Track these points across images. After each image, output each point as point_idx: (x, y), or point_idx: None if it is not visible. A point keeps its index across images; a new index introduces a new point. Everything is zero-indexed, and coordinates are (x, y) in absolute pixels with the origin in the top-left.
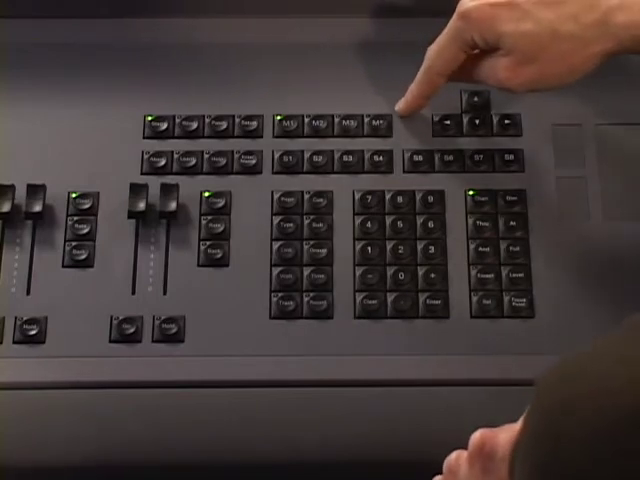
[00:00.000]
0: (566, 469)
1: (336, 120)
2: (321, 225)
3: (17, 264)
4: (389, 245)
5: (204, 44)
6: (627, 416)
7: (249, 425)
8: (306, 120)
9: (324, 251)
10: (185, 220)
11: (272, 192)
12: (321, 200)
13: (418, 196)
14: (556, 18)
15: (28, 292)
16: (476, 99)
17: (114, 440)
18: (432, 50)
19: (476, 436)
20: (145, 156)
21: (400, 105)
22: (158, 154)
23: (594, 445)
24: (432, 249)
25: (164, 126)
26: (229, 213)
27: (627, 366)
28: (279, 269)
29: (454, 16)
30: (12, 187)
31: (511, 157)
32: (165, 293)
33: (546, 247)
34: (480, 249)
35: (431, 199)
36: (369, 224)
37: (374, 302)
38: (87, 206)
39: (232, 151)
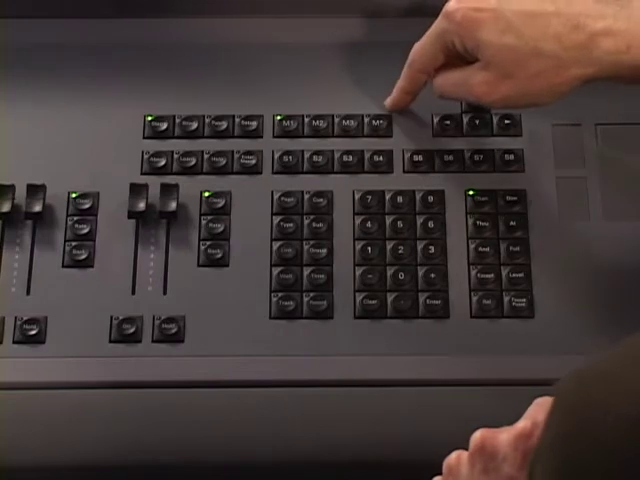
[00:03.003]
0: (598, 467)
1: (336, 120)
2: (321, 225)
3: (17, 264)
4: (389, 245)
5: (204, 44)
6: None
7: (249, 425)
8: (306, 120)
9: (324, 251)
10: (185, 220)
11: (272, 192)
12: (321, 200)
13: (418, 196)
14: (540, 35)
15: (28, 292)
16: None
17: (114, 440)
18: (415, 46)
19: (476, 436)
20: (145, 156)
21: (387, 100)
22: (158, 154)
23: (628, 444)
24: (432, 249)
25: (164, 126)
26: (229, 213)
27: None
28: (279, 269)
29: (440, 15)
30: (12, 187)
31: (511, 157)
32: (165, 293)
33: (546, 247)
34: (480, 249)
35: (431, 199)
36: (369, 224)
37: (374, 302)
38: (87, 206)
39: (232, 151)
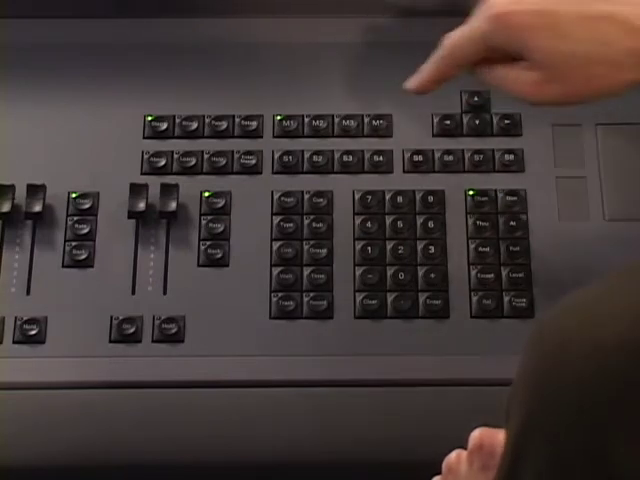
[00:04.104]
0: (566, 400)
1: (336, 120)
2: (321, 225)
3: (17, 264)
4: (389, 245)
5: (204, 44)
6: (625, 347)
7: (249, 425)
8: (306, 120)
9: (324, 251)
10: (185, 220)
11: (272, 192)
12: (321, 200)
13: (418, 196)
14: (594, 40)
15: (28, 292)
16: (476, 99)
17: (114, 440)
18: (454, 40)
19: (475, 435)
20: (145, 156)
21: (410, 83)
22: (158, 154)
23: (587, 383)
24: (432, 249)
25: (164, 126)
26: (229, 213)
27: (623, 298)
28: (279, 269)
29: (485, 14)
30: (12, 187)
31: (511, 157)
32: (165, 293)
33: (546, 247)
34: (480, 249)
35: (431, 199)
36: (369, 224)
37: (374, 302)
38: (87, 206)
39: (232, 151)
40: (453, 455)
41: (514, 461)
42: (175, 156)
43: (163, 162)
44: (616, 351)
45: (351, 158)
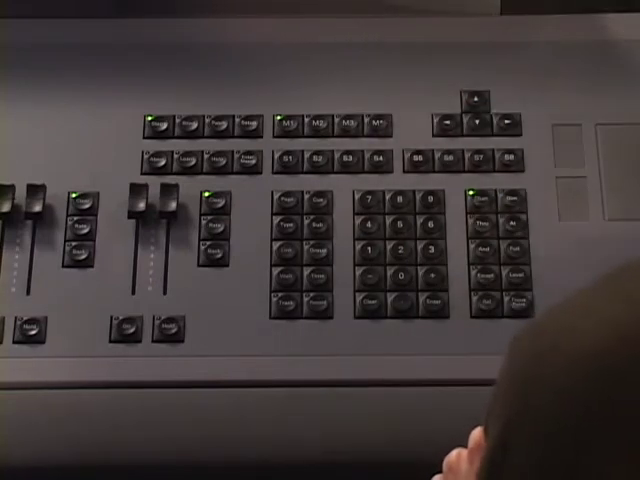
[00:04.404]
0: (536, 419)
1: (336, 120)
2: (321, 225)
3: (17, 264)
4: (389, 245)
5: (204, 44)
6: (596, 365)
7: (249, 425)
8: (306, 120)
9: (324, 251)
10: (185, 220)
11: (272, 192)
12: (321, 200)
13: (418, 196)
14: None
15: (28, 292)
16: (476, 99)
17: (114, 440)
18: None
19: (475, 433)
20: (145, 156)
21: None
22: (158, 154)
23: (563, 394)
24: (432, 249)
25: (164, 126)
26: (229, 213)
27: (593, 316)
28: (279, 269)
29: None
30: (12, 187)
31: (511, 157)
32: (165, 293)
33: (546, 247)
34: (480, 249)
35: (431, 199)
36: (369, 224)
37: (374, 302)
38: (87, 206)
39: (232, 151)
40: (453, 454)
41: (492, 471)
42: (175, 156)
43: (163, 162)
44: (592, 361)
45: (351, 158)
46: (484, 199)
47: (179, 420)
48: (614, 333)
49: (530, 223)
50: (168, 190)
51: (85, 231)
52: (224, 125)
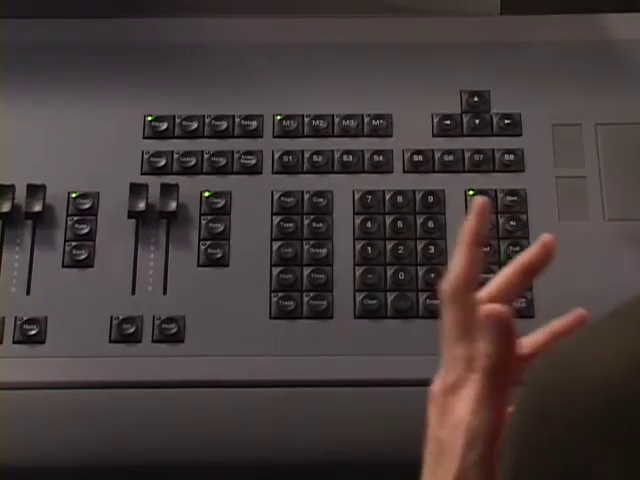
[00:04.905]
0: (549, 451)
1: (336, 120)
2: (321, 225)
3: (17, 264)
4: (389, 245)
5: (204, 44)
6: (614, 397)
7: (249, 425)
8: (306, 120)
9: (324, 251)
10: (185, 220)
11: (272, 192)
12: (321, 200)
13: (418, 196)
14: None
15: (28, 292)
16: (476, 99)
17: (114, 440)
18: None
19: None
20: (145, 156)
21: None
22: (158, 154)
23: (580, 426)
24: (432, 249)
25: (164, 126)
26: (229, 213)
27: (608, 348)
28: (279, 269)
29: None
30: (12, 187)
31: (511, 157)
32: (165, 293)
33: None
34: None
35: (431, 199)
36: (369, 224)
37: (374, 302)
38: (87, 206)
39: (232, 151)
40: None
41: None
42: (175, 156)
43: (163, 162)
44: (606, 393)
45: (351, 158)
46: None
47: (179, 420)
48: (629, 363)
49: (530, 223)
50: (168, 190)
51: (85, 231)
52: (224, 125)
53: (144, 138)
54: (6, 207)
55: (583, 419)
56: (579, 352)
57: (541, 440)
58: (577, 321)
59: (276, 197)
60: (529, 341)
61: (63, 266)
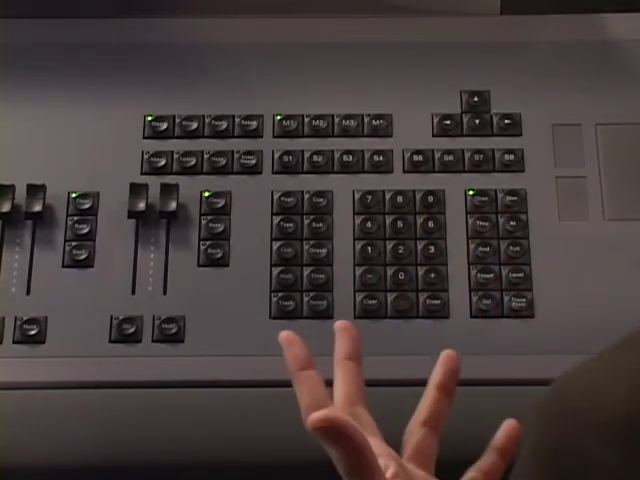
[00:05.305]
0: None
1: (336, 120)
2: (321, 225)
3: (17, 264)
4: (389, 245)
5: (204, 44)
6: (626, 428)
7: (249, 425)
8: (306, 120)
9: (324, 251)
10: (185, 220)
11: (272, 192)
12: (321, 200)
13: (418, 196)
14: None
15: (28, 292)
16: (476, 99)
17: (114, 440)
18: None
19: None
20: (145, 156)
21: None
22: (158, 154)
23: (589, 460)
24: (432, 249)
25: (164, 126)
26: (229, 213)
27: (617, 379)
28: (279, 269)
29: None
30: (12, 187)
31: (511, 157)
32: (165, 293)
33: (546, 247)
34: (480, 249)
35: (431, 199)
36: (369, 224)
37: (374, 302)
38: (87, 206)
39: (232, 151)
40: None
41: None
42: (175, 156)
43: (163, 162)
44: (616, 426)
45: (351, 158)
46: (484, 199)
47: (179, 420)
48: (633, 393)
49: (530, 223)
50: (168, 190)
51: (85, 231)
52: (224, 125)
53: (144, 138)
54: (6, 207)
55: (597, 451)
56: (591, 382)
57: (552, 471)
58: (512, 436)
59: (276, 197)
60: (483, 465)
61: (63, 266)
